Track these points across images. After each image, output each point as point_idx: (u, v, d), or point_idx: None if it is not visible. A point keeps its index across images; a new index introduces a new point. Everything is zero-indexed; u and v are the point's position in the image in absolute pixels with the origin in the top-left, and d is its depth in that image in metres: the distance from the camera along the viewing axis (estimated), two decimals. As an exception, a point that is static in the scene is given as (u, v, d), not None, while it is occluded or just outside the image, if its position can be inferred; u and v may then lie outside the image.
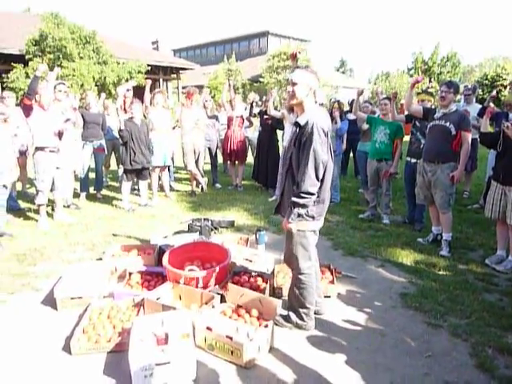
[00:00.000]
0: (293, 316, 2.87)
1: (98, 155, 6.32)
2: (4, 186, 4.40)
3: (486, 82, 22.85)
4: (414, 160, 4.93)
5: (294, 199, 2.55)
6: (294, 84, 2.54)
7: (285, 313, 2.93)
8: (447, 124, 4.08)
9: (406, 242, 4.61)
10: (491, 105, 4.44)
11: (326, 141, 2.54)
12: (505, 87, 20.58)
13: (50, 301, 3.18)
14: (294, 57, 2.87)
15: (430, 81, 26.58)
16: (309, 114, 2.54)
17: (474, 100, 6.72)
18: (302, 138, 2.50)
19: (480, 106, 6.36)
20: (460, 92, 5.47)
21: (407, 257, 4.18)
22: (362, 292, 3.47)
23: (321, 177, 2.54)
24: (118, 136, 6.08)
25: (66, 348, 2.62)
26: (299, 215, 2.58)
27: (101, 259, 3.90)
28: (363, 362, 2.55)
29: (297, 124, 2.56)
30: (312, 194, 2.53)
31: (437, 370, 2.48)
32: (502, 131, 3.75)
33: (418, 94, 5.67)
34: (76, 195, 6.22)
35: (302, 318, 2.86)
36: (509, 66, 23.35)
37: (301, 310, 2.84)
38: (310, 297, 2.83)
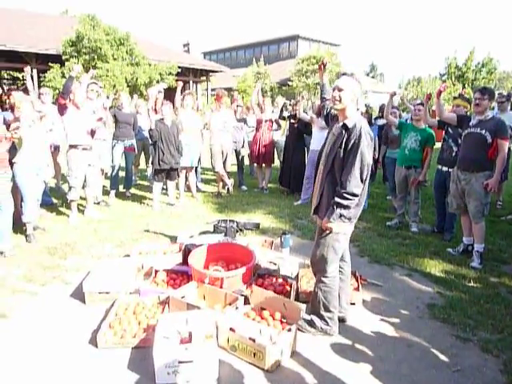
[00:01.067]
0: (317, 321, 2.85)
1: (128, 154, 6.47)
2: (43, 181, 4.58)
3: (524, 89, 22.01)
4: (445, 168, 4.80)
5: (337, 199, 2.58)
6: (340, 90, 2.62)
7: (308, 317, 2.91)
8: (483, 132, 3.95)
9: (435, 251, 4.48)
10: None
11: (372, 145, 2.61)
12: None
13: (79, 294, 3.28)
14: (322, 66, 2.94)
15: (463, 87, 25.84)
16: (355, 118, 2.63)
17: (509, 108, 6.48)
18: (350, 141, 2.56)
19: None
20: (495, 99, 5.29)
21: (436, 267, 4.07)
22: (388, 300, 3.40)
23: (365, 178, 2.59)
24: (147, 136, 6.22)
25: (93, 341, 2.69)
26: (341, 216, 2.60)
27: (128, 256, 3.99)
28: (387, 373, 2.50)
29: (344, 126, 2.61)
30: (356, 196, 2.57)
31: (465, 385, 2.40)
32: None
33: (454, 98, 5.51)
34: (106, 193, 6.39)
35: (326, 323, 2.83)
36: (548, 73, 22.42)
37: (325, 314, 2.82)
38: (334, 300, 2.81)
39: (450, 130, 4.76)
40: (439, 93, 4.39)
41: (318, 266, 2.81)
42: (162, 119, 5.68)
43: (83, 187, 5.17)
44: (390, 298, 3.44)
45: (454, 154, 4.64)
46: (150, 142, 5.74)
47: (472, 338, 2.87)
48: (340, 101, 2.62)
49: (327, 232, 2.70)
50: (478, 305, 3.32)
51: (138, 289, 3.24)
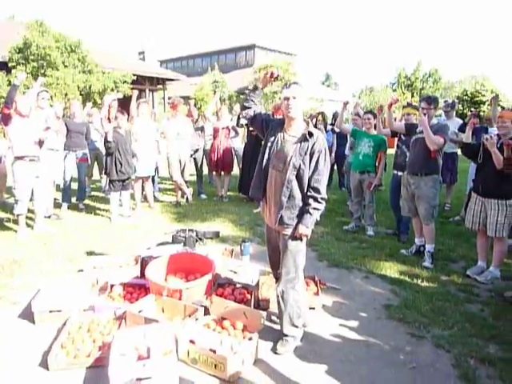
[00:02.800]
0: (293, 332, 2.80)
1: (81, 165, 6.22)
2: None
3: (466, 97, 23.52)
4: (400, 173, 5.01)
5: (315, 205, 2.63)
6: (294, 97, 2.63)
7: (286, 338, 2.81)
8: (428, 136, 4.16)
9: (390, 253, 4.64)
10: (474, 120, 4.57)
11: None
12: (483, 103, 21.20)
13: (28, 314, 3.08)
14: (271, 76, 2.89)
15: (412, 96, 27.22)
16: (310, 126, 2.70)
17: (454, 115, 6.89)
18: (315, 147, 2.61)
19: (459, 121, 6.54)
20: (440, 107, 5.62)
21: (391, 268, 4.22)
22: (347, 303, 3.47)
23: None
24: (100, 146, 6.03)
25: (44, 364, 2.53)
26: (315, 221, 2.67)
27: (82, 271, 3.81)
28: (348, 374, 2.54)
29: (309, 134, 2.63)
30: (325, 200, 2.68)
31: (420, 381, 2.49)
32: (482, 144, 3.84)
33: (404, 107, 5.79)
34: (57, 205, 6.10)
35: (298, 327, 2.83)
36: (487, 83, 24.10)
37: (299, 320, 2.81)
38: (303, 306, 2.84)
39: (402, 136, 4.99)
40: (390, 105, 4.62)
41: (292, 275, 2.75)
42: (117, 128, 5.52)
43: (31, 200, 4.90)
44: (349, 301, 3.51)
45: (407, 159, 4.86)
46: (106, 152, 5.54)
47: (426, 335, 2.99)
48: (293, 109, 2.64)
49: (298, 239, 2.70)
50: (431, 303, 3.46)
51: (93, 305, 3.10)
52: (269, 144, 2.77)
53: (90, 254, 4.39)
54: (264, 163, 2.78)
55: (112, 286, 3.36)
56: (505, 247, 3.95)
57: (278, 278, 2.94)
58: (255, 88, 2.95)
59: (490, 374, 2.56)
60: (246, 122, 6.84)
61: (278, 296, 2.79)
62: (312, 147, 2.62)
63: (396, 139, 5.18)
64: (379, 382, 2.48)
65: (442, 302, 3.48)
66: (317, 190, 2.63)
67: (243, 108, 2.94)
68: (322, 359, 2.68)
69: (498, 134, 3.88)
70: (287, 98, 2.65)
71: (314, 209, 2.64)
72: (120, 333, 2.60)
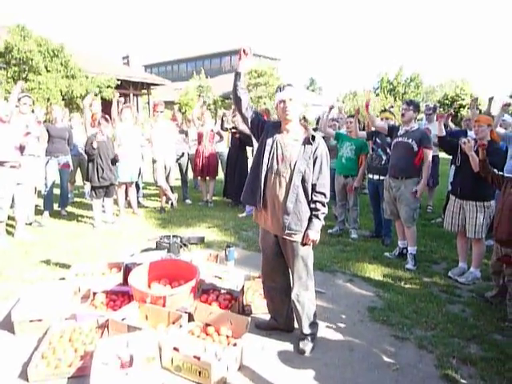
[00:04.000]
0: (313, 330, 2.88)
1: (63, 171, 6.13)
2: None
3: (447, 101, 24.03)
4: (376, 176, 5.08)
5: (323, 210, 2.65)
6: (290, 99, 2.59)
7: (307, 338, 2.85)
8: (410, 141, 4.24)
9: (374, 256, 4.69)
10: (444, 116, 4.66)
11: None
12: (463, 107, 21.66)
13: (7, 324, 3.00)
14: (245, 53, 2.75)
15: (395, 100, 27.65)
16: (310, 130, 2.70)
17: (435, 119, 7.02)
18: (318, 152, 2.61)
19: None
20: (421, 110, 5.72)
21: (375, 271, 4.26)
22: (331, 307, 3.49)
23: None
24: (83, 152, 5.95)
25: (23, 375, 2.48)
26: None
27: (63, 279, 3.75)
28: (332, 378, 2.55)
29: (313, 138, 2.62)
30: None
31: (404, 382, 2.51)
32: (460, 147, 3.92)
33: (382, 112, 5.89)
34: (39, 212, 5.99)
35: (316, 324, 2.93)
36: (467, 87, 24.66)
37: (315, 318, 2.90)
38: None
39: (378, 140, 5.06)
40: (367, 106, 4.72)
41: (304, 278, 2.78)
42: (98, 134, 5.45)
43: (11, 207, 4.81)
44: (334, 305, 3.53)
45: (383, 162, 4.94)
46: (88, 158, 5.48)
47: (409, 336, 3.03)
48: (290, 111, 2.60)
49: (307, 244, 2.70)
50: (414, 304, 3.51)
51: (74, 313, 3.05)
52: (267, 148, 2.66)
53: (72, 261, 4.31)
54: (263, 168, 2.65)
55: (94, 293, 3.31)
56: (483, 248, 4.03)
57: (268, 285, 2.96)
58: (237, 74, 2.77)
59: (471, 373, 2.60)
60: (231, 125, 6.92)
61: (293, 301, 2.81)
62: (315, 151, 2.60)
63: (371, 142, 5.26)
64: (363, 384, 2.50)
65: (425, 303, 3.54)
66: (323, 195, 2.64)
67: (235, 99, 2.80)
68: (307, 363, 2.69)
69: (475, 139, 3.98)
70: (283, 101, 2.60)
71: (323, 213, 2.66)
72: (102, 341, 2.56)
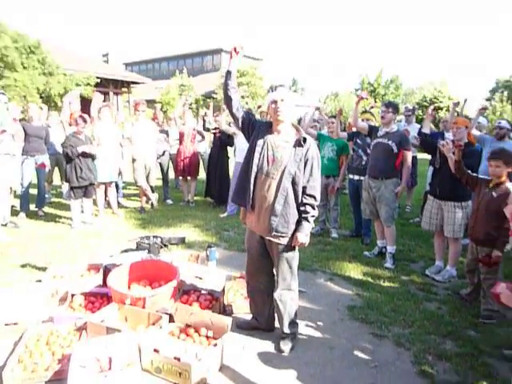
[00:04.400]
0: (293, 329, 2.91)
1: (40, 171, 5.99)
2: None
3: (425, 103, 24.48)
4: (356, 177, 5.15)
5: (313, 212, 2.65)
6: (282, 100, 2.57)
7: (287, 338, 2.88)
8: (389, 142, 4.32)
9: (354, 255, 4.76)
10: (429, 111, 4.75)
11: None
12: (441, 109, 22.13)
13: (-19, 328, 2.93)
14: (236, 51, 2.66)
15: (375, 101, 28.04)
16: (302, 132, 2.67)
17: (414, 120, 7.17)
18: (309, 154, 2.60)
19: (419, 126, 6.81)
20: (400, 112, 5.83)
21: (354, 270, 4.32)
22: (312, 306, 3.52)
23: None
24: (61, 151, 5.83)
25: (-2, 380, 2.42)
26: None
27: (40, 281, 3.66)
28: (312, 376, 2.58)
29: (304, 140, 2.60)
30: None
31: (382, 379, 2.56)
32: (439, 149, 4.02)
33: (362, 112, 5.97)
34: (15, 213, 5.84)
35: (297, 324, 2.96)
36: (445, 90, 25.23)
37: (296, 317, 2.93)
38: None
39: (358, 140, 5.13)
40: (359, 99, 4.64)
41: (288, 279, 2.80)
42: (76, 133, 5.35)
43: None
44: (314, 304, 3.57)
45: (363, 162, 5.01)
46: (66, 158, 5.36)
47: (387, 334, 3.09)
48: (282, 112, 2.58)
49: (294, 247, 2.72)
50: (392, 303, 3.58)
51: (52, 316, 2.99)
52: (258, 148, 2.63)
53: (49, 263, 4.22)
54: (253, 169, 2.63)
55: (73, 295, 3.25)
56: (460, 247, 4.14)
57: (252, 285, 2.97)
58: (228, 73, 2.73)
59: (446, 368, 2.68)
60: (214, 126, 6.90)
61: (275, 300, 2.84)
62: (306, 154, 2.59)
63: (351, 143, 5.33)
64: (343, 382, 2.53)
65: (403, 301, 3.61)
66: (313, 197, 2.64)
67: (226, 99, 2.76)
68: (288, 362, 2.71)
69: (453, 140, 4.08)
70: (275, 101, 2.57)
71: (312, 216, 2.65)
72: (80, 344, 2.52)
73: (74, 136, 5.33)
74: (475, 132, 4.92)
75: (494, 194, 3.28)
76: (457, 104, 5.93)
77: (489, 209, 3.25)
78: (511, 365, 2.28)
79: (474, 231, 3.43)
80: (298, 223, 2.66)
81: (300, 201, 2.64)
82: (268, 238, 2.70)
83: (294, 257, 2.77)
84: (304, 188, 2.63)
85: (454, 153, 3.76)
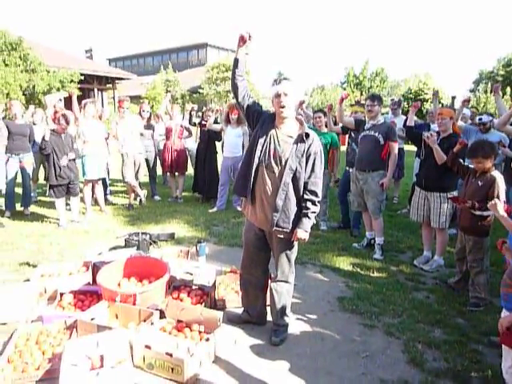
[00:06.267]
0: (285, 321, 2.92)
1: (24, 169, 5.89)
2: None
3: (411, 95, 24.68)
4: (351, 169, 5.18)
5: (314, 209, 2.62)
6: (285, 94, 2.51)
7: (281, 327, 2.91)
8: (376, 134, 4.35)
9: (343, 247, 4.80)
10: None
11: None
12: (426, 101, 22.35)
13: (-32, 330, 2.88)
14: (243, 39, 2.58)
15: (361, 94, 28.19)
16: (305, 126, 2.62)
17: (400, 112, 7.24)
18: (311, 149, 2.56)
19: (405, 118, 6.88)
20: (385, 104, 5.88)
21: (344, 261, 4.36)
22: (302, 298, 3.55)
23: None
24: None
25: (-13, 381, 2.39)
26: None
27: (28, 280, 3.62)
28: (304, 368, 2.60)
29: (307, 136, 2.56)
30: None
31: (373, 369, 2.60)
32: (424, 141, 4.06)
33: (352, 105, 6.01)
34: (1, 213, 5.73)
35: (289, 316, 2.97)
36: (429, 82, 25.44)
37: (289, 310, 2.95)
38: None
39: (352, 134, 5.17)
40: (341, 100, 4.76)
41: (287, 272, 2.83)
42: (54, 130, 5.23)
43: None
44: (305, 296, 3.59)
45: (356, 156, 5.04)
46: (41, 154, 5.25)
47: (377, 324, 3.13)
48: (286, 107, 2.53)
49: (294, 241, 2.72)
50: (382, 293, 3.62)
51: (41, 315, 2.95)
52: (260, 141, 2.60)
53: (37, 262, 4.16)
54: (254, 161, 2.60)
55: (62, 294, 3.21)
56: (446, 237, 4.20)
57: (245, 278, 2.97)
58: (235, 60, 2.68)
59: (435, 356, 2.72)
60: (198, 120, 6.84)
61: (271, 289, 2.86)
62: (308, 149, 2.55)
63: (346, 136, 5.37)
64: (334, 372, 2.56)
65: (392, 291, 3.66)
66: (315, 194, 2.61)
67: (232, 87, 2.72)
68: (279, 355, 2.73)
69: (437, 132, 4.13)
70: (278, 95, 2.52)
71: (313, 212, 2.63)
72: (71, 342, 2.50)
73: (53, 133, 5.18)
74: (460, 123, 4.98)
75: (480, 182, 3.33)
76: (437, 93, 5.98)
77: (474, 198, 3.31)
78: (499, 351, 2.33)
79: (461, 219, 3.49)
80: (299, 218, 2.65)
81: (301, 196, 2.63)
82: (269, 231, 2.71)
83: (293, 251, 2.80)
84: (305, 184, 2.61)
85: (440, 145, 3.81)
